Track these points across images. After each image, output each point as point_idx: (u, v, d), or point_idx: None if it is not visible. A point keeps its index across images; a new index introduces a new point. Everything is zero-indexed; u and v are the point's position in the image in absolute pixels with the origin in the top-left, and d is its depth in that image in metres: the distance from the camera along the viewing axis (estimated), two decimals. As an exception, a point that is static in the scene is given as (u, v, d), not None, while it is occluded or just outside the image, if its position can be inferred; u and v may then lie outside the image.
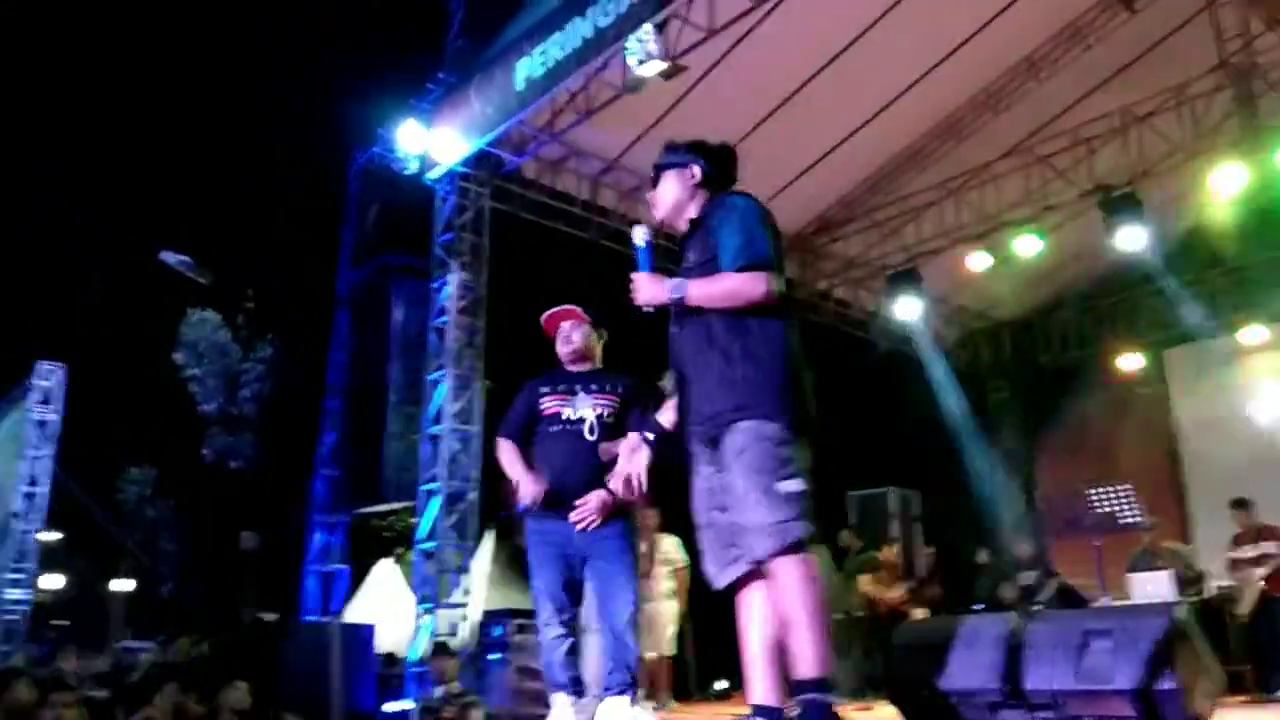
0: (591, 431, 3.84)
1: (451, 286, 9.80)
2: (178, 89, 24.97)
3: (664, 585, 7.51)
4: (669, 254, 3.22)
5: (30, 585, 18.23)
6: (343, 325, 11.48)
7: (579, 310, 4.12)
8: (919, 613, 8.96)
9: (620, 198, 11.07)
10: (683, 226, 3.07)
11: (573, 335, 4.07)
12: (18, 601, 18.07)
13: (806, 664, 2.57)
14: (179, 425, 20.19)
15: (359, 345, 11.17)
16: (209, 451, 20.32)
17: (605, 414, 3.88)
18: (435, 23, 10.51)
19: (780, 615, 2.65)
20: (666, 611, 7.52)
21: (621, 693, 3.69)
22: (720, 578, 2.82)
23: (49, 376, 18.41)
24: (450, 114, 9.82)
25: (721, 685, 10.28)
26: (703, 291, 2.84)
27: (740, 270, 2.80)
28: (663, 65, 7.99)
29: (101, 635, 17.60)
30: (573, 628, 3.82)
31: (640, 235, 3.00)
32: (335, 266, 11.70)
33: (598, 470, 3.69)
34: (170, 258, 11.65)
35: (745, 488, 2.66)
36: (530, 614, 4.96)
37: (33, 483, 18.31)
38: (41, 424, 18.36)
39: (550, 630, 3.77)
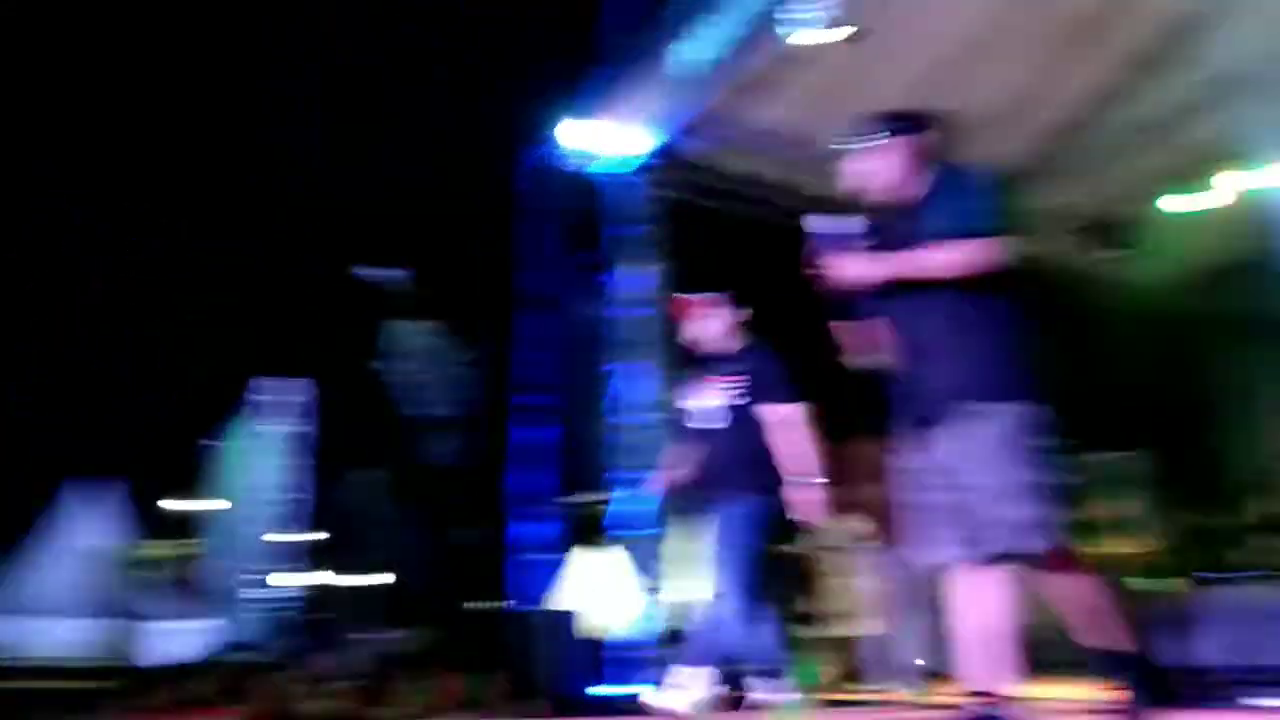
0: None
1: (628, 278, 9.98)
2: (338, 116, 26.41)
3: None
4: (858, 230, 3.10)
5: (289, 583, 20.06)
6: (528, 323, 11.90)
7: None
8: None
9: (797, 172, 10.89)
10: (901, 199, 2.96)
11: None
12: (280, 599, 19.95)
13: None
14: (400, 429, 21.49)
15: (547, 341, 11.54)
16: (424, 452, 21.53)
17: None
18: (587, 14, 10.63)
19: (1068, 605, 2.54)
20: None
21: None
22: (936, 556, 2.73)
23: (302, 392, 20.30)
24: (613, 105, 9.93)
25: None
26: (938, 262, 2.74)
27: (976, 239, 2.69)
28: (840, 30, 7.68)
29: (353, 628, 19.07)
30: None
31: (826, 218, 2.93)
32: (514, 267, 12.12)
33: None
34: (367, 272, 12.41)
35: (1004, 475, 2.55)
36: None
37: (287, 490, 20.16)
38: (295, 435, 20.23)
39: None
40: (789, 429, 3.01)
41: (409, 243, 20.39)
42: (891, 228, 2.85)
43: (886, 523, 7.10)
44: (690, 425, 3.98)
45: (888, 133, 2.97)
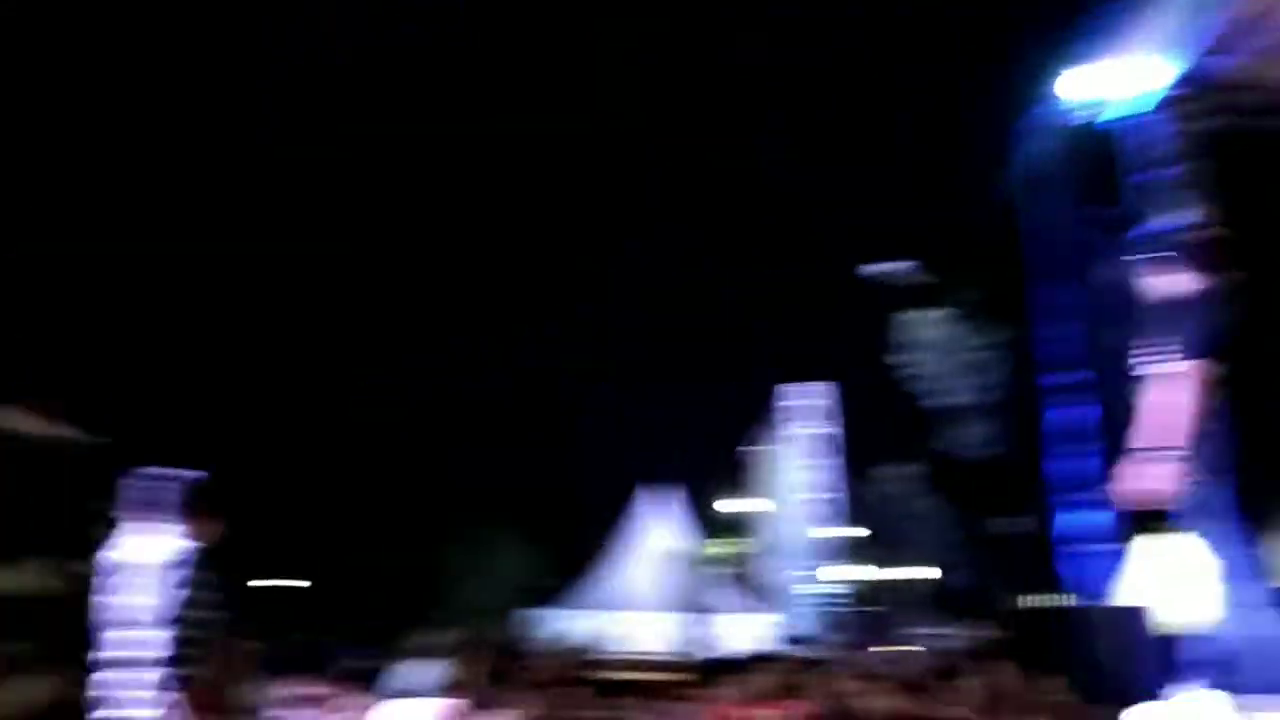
0: None
1: (1160, 228, 8.78)
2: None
3: None
4: None
5: (837, 579, 20.70)
6: (1045, 297, 10.96)
7: None
8: None
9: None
10: None
11: None
12: (829, 594, 20.64)
13: None
14: (928, 422, 21.16)
15: (1071, 313, 10.55)
16: (947, 443, 20.91)
17: None
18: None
19: None
20: None
21: None
22: None
23: (826, 395, 21.04)
24: (1120, 41, 8.86)
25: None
26: None
27: None
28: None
29: (905, 623, 19.10)
30: None
31: None
32: (1022, 238, 11.29)
33: None
34: (871, 270, 12.36)
35: None
36: None
37: (822, 489, 20.88)
38: (820, 436, 20.97)
39: None
40: None
41: (910, 235, 20.06)
42: None
43: None
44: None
45: None
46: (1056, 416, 10.64)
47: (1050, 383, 10.78)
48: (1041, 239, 10.87)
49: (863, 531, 23.43)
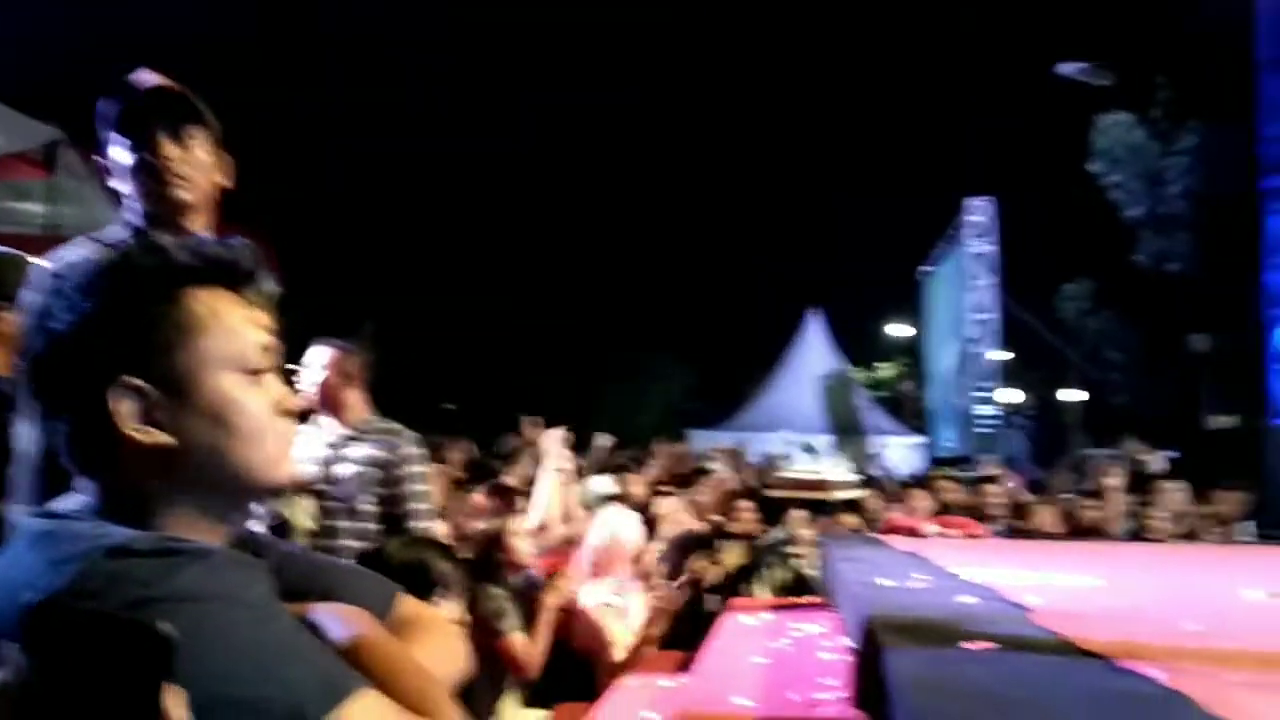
0: None
1: None
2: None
3: None
4: None
5: (992, 401, 20.19)
6: (1273, 89, 9.75)
7: None
8: None
9: None
10: None
11: None
12: (987, 416, 20.19)
13: None
14: (1110, 235, 19.85)
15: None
16: (1142, 257, 19.59)
17: None
18: None
19: None
20: None
21: None
22: None
23: (982, 212, 19.93)
24: None
25: None
26: None
27: None
28: None
29: (1061, 444, 18.58)
30: None
31: None
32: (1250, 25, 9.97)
33: None
34: (1068, 68, 11.28)
35: None
36: None
37: (981, 310, 20.12)
38: (979, 255, 20.00)
39: None
40: None
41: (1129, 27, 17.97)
42: None
43: None
44: None
45: None
46: (1278, 223, 9.66)
47: (1272, 185, 9.74)
48: (1274, 22, 9.60)
49: (1028, 353, 22.62)
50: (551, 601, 3.88)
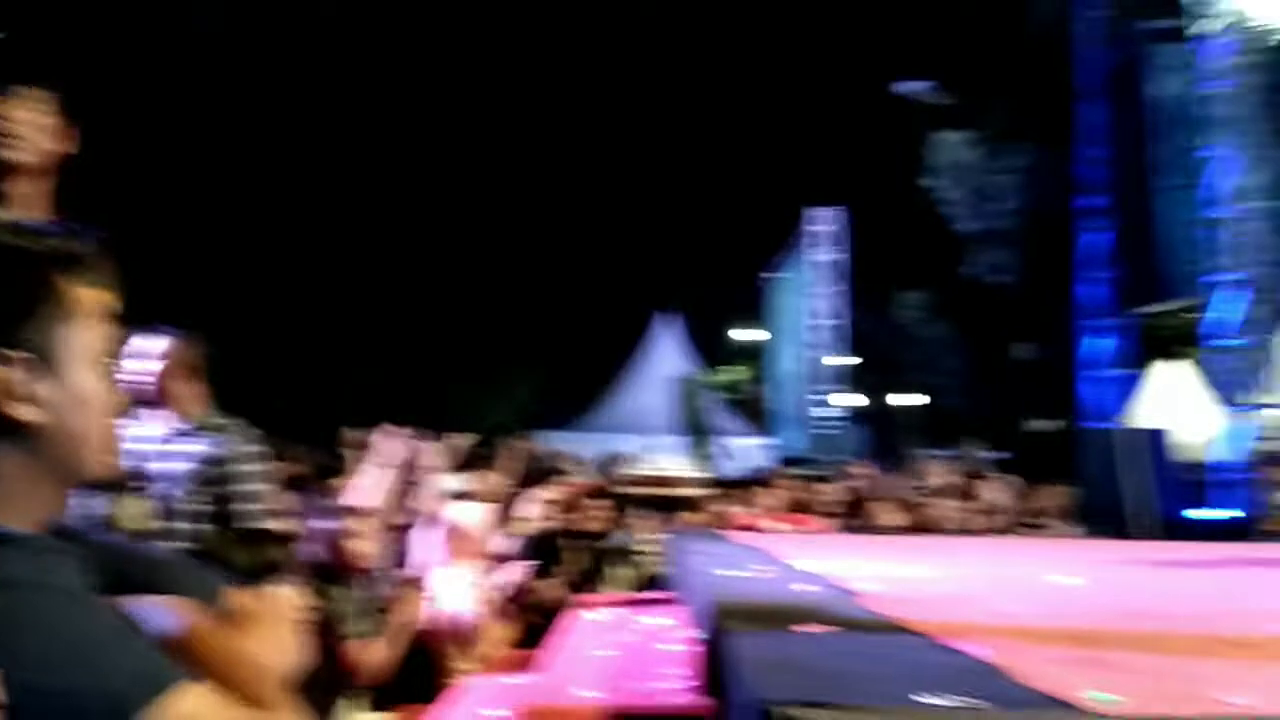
0: None
1: (1223, 41, 8.30)
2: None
3: None
4: None
5: (834, 403, 20.97)
6: (1090, 116, 10.50)
7: None
8: None
9: None
10: None
11: None
12: (828, 418, 20.95)
13: None
14: (946, 248, 20.87)
15: (1116, 133, 10.13)
16: (972, 269, 20.70)
17: None
18: None
19: None
20: None
21: None
22: None
23: (827, 221, 20.65)
24: None
25: None
26: None
27: None
28: None
29: (898, 445, 19.48)
30: None
31: None
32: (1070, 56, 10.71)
33: None
34: (908, 87, 11.87)
35: None
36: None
37: (824, 316, 20.86)
38: (823, 263, 20.73)
39: None
40: None
41: (941, 53, 19.04)
42: None
43: None
44: None
45: None
46: (1087, 241, 10.39)
47: (1084, 205, 10.47)
48: (1088, 55, 10.31)
49: (868, 358, 23.57)
50: (404, 613, 3.84)
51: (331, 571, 3.78)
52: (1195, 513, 7.50)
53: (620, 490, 7.63)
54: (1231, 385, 8.40)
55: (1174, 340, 12.21)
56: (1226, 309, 8.34)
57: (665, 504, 7.41)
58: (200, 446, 3.26)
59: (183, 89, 19.92)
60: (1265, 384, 8.31)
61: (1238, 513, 7.35)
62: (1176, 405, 10.80)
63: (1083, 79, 10.51)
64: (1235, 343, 8.31)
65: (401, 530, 4.72)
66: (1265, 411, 8.15)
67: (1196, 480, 8.22)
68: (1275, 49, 8.18)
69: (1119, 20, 9.95)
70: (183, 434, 3.29)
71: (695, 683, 2.26)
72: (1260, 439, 7.93)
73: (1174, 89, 9.08)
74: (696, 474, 11.25)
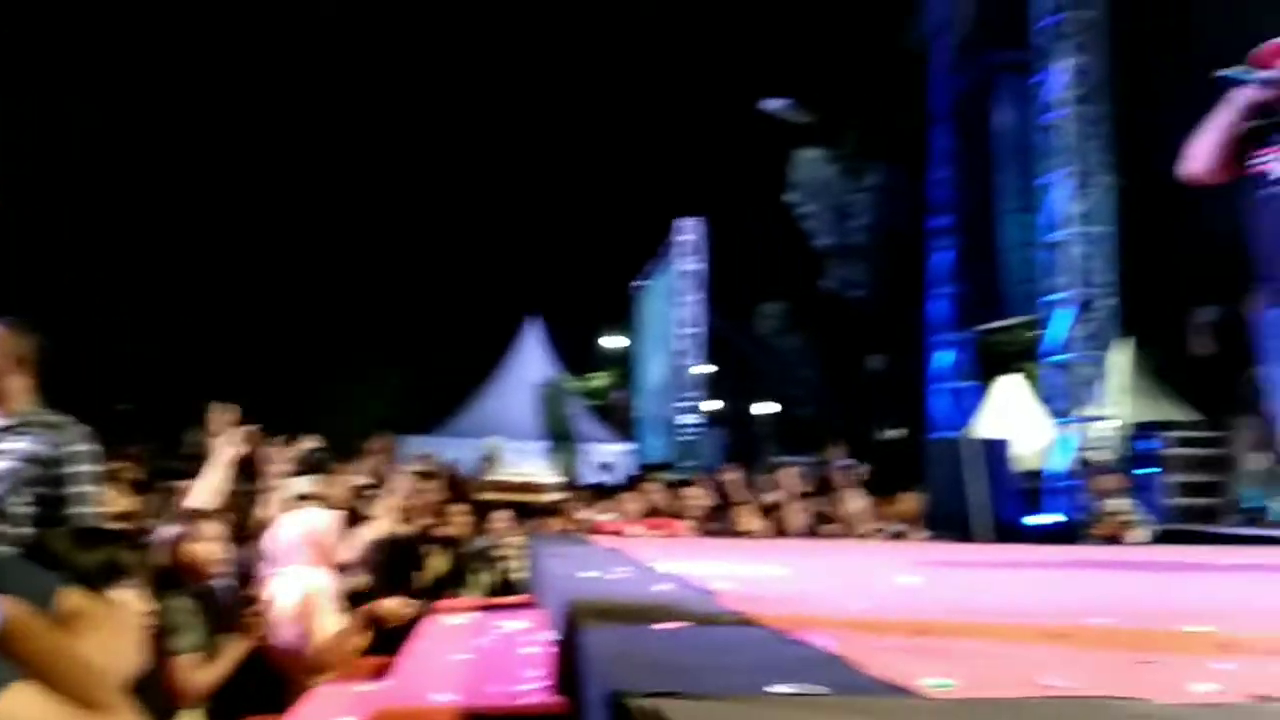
0: None
1: (1061, 75, 8.83)
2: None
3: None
4: None
5: (697, 410, 21.29)
6: (942, 140, 11.05)
7: None
8: None
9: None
10: None
11: None
12: (689, 425, 21.28)
13: None
14: (804, 262, 21.50)
15: (964, 158, 10.68)
16: (829, 283, 21.40)
17: None
18: None
19: None
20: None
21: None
22: None
23: (692, 231, 20.96)
24: None
25: None
26: None
27: None
28: None
29: (754, 452, 19.96)
30: None
31: None
32: (926, 82, 11.25)
33: None
34: (771, 104, 12.19)
35: None
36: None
37: (688, 324, 21.15)
38: (688, 273, 21.04)
39: None
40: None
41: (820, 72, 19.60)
42: None
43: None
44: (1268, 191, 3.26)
45: None
46: (937, 260, 10.92)
47: (933, 225, 10.99)
48: (940, 81, 10.86)
49: (726, 367, 24.03)
50: (245, 624, 3.72)
51: (171, 577, 3.62)
52: (1029, 518, 7.95)
53: (482, 495, 7.57)
54: (1063, 399, 8.92)
55: (1013, 356, 12.95)
56: (1061, 327, 8.87)
57: (528, 509, 7.39)
58: (25, 445, 3.07)
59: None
60: (1095, 398, 8.84)
61: (1066, 518, 7.81)
62: (1014, 417, 11.46)
63: (935, 104, 11.04)
64: (1068, 358, 8.82)
65: (248, 535, 4.56)
66: (1092, 424, 8.69)
67: (1032, 488, 8.74)
68: (1105, 83, 8.76)
69: (969, 50, 10.49)
70: (6, 431, 3.10)
71: (550, 682, 2.26)
72: (1086, 449, 8.45)
73: (1016, 118, 9.65)
74: (560, 479, 11.24)
